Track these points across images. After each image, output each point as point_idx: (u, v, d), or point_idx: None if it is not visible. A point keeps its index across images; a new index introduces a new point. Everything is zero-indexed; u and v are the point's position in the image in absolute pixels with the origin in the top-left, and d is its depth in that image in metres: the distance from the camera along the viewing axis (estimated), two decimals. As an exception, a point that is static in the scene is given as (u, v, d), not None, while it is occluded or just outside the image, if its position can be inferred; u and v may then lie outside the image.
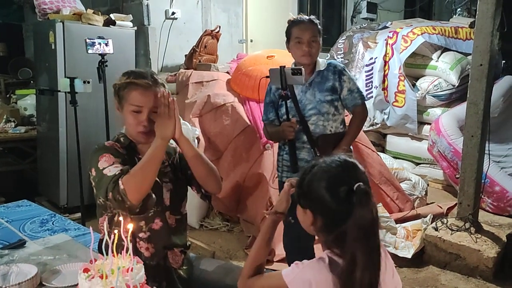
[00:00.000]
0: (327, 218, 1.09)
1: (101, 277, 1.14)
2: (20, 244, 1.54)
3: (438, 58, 4.46)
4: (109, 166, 1.44)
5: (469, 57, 4.43)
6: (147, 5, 4.40)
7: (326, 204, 1.07)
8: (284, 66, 2.08)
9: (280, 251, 2.88)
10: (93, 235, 1.21)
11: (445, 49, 4.52)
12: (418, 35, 4.39)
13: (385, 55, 4.55)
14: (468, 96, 2.91)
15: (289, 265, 2.67)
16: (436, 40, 4.43)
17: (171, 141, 1.67)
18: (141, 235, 1.54)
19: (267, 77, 2.21)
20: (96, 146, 1.56)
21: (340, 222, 1.04)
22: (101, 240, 1.52)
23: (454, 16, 5.61)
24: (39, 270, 1.30)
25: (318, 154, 2.15)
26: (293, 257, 2.46)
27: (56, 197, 3.83)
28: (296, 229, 2.28)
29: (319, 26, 2.22)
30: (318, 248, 2.44)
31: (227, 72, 4.18)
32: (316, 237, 2.31)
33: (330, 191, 1.07)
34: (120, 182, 1.36)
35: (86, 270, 1.18)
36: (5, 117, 4.32)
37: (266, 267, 2.81)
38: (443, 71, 4.36)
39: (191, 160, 1.55)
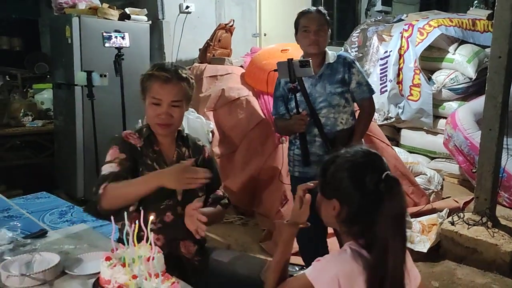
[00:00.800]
0: (355, 208, 1.09)
1: (123, 265, 1.16)
2: (42, 233, 1.57)
3: (455, 50, 4.39)
4: (108, 163, 1.51)
5: (487, 50, 4.38)
6: (162, -1, 4.43)
7: (354, 193, 1.08)
8: (292, 59, 2.07)
9: (294, 244, 2.89)
10: (114, 225, 1.24)
11: (462, 42, 4.45)
12: (434, 27, 4.33)
13: (400, 48, 4.49)
14: (486, 89, 2.87)
15: (303, 258, 2.66)
16: (453, 32, 4.37)
17: (200, 139, 1.75)
18: (151, 226, 1.55)
19: (275, 70, 2.20)
20: (114, 136, 1.62)
21: (368, 211, 1.05)
22: (120, 230, 1.55)
23: (471, 8, 5.51)
24: (61, 258, 1.32)
25: (330, 148, 2.14)
26: (306, 250, 2.47)
27: (73, 189, 3.89)
28: (310, 222, 2.30)
29: (327, 17, 2.21)
30: (330, 242, 2.46)
31: (241, 66, 4.18)
32: (329, 231, 2.33)
33: (359, 180, 1.07)
34: (101, 186, 1.43)
35: (108, 259, 1.20)
36: (22, 111, 4.38)
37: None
38: (460, 64, 4.30)
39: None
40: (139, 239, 1.22)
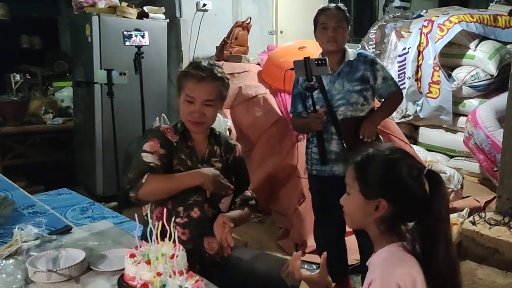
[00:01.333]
0: (405, 205, 1.09)
1: (147, 262, 1.17)
2: (67, 230, 1.60)
3: (475, 47, 4.31)
4: (149, 153, 1.56)
5: (509, 46, 4.30)
6: (179, -3, 4.45)
7: (405, 190, 1.07)
8: (309, 57, 2.06)
9: (311, 242, 2.88)
10: (137, 223, 1.26)
11: (483, 38, 4.37)
12: (455, 23, 4.26)
13: (419, 45, 4.43)
14: (509, 85, 2.82)
15: (320, 257, 2.65)
16: (474, 28, 4.28)
17: (232, 138, 1.80)
18: (178, 220, 1.58)
19: (291, 69, 2.20)
20: (153, 127, 1.71)
21: (419, 207, 1.06)
22: (144, 227, 1.58)
23: (492, 4, 5.40)
24: (86, 254, 1.34)
25: (345, 146, 2.13)
26: (324, 249, 2.46)
27: (92, 186, 3.95)
28: (327, 221, 2.30)
29: (346, 13, 2.19)
30: (348, 241, 2.45)
31: (258, 64, 4.18)
32: (347, 229, 2.31)
33: (409, 177, 1.07)
34: (145, 176, 1.49)
35: (132, 256, 1.21)
36: (43, 108, 4.47)
37: (298, 258, 2.84)
38: (481, 60, 4.22)
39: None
40: (163, 234, 1.24)
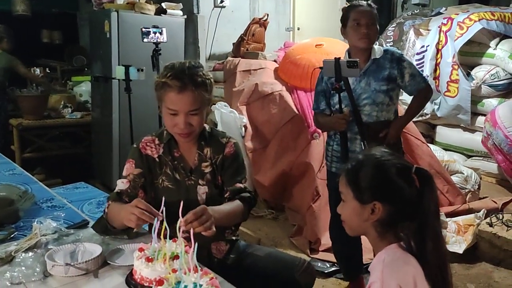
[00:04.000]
0: (399, 205, 1.10)
1: (148, 259, 1.20)
2: (84, 224, 1.63)
3: (496, 45, 4.23)
4: (122, 179, 1.54)
5: (531, 45, 4.21)
6: (197, -7, 4.46)
7: (398, 191, 1.09)
8: (339, 58, 2.04)
9: (325, 240, 2.88)
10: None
11: (504, 36, 4.28)
12: (475, 21, 4.18)
13: (438, 43, 4.36)
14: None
15: (335, 255, 2.63)
16: (495, 26, 4.19)
17: (226, 133, 1.65)
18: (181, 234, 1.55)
19: (320, 68, 2.18)
20: (134, 144, 1.60)
21: (412, 206, 1.08)
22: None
23: (514, 1, 5.28)
24: (103, 249, 1.37)
25: (367, 147, 2.11)
26: (339, 247, 2.46)
27: (109, 180, 4.00)
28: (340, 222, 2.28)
29: (376, 12, 2.17)
30: (364, 239, 2.43)
31: (274, 61, 4.17)
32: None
33: (401, 177, 1.09)
34: (106, 204, 1.47)
35: (141, 250, 1.24)
36: (62, 103, 4.54)
37: (312, 256, 2.84)
38: (502, 59, 4.13)
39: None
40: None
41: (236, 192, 1.55)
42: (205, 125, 1.60)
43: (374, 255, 1.16)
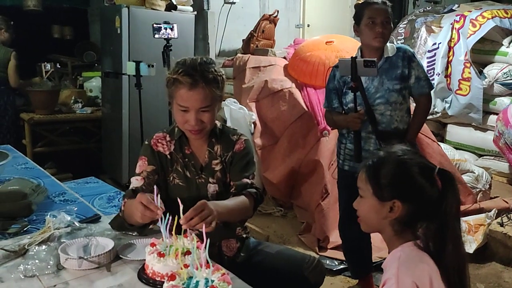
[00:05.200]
0: (419, 204, 1.09)
1: (160, 254, 1.21)
2: (96, 218, 1.64)
3: (509, 43, 4.18)
4: (136, 175, 1.53)
5: (545, 43, 4.15)
6: (207, -11, 4.46)
7: (419, 190, 1.08)
8: (356, 57, 2.03)
9: (334, 238, 2.88)
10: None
11: (518, 34, 4.23)
12: (488, 19, 4.13)
13: (450, 40, 4.32)
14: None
15: (344, 253, 2.63)
16: (508, 24, 4.14)
17: (237, 130, 1.64)
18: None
19: (335, 67, 2.17)
20: (146, 141, 1.59)
21: (432, 205, 1.07)
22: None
23: (528, -1, 5.21)
24: (115, 243, 1.38)
25: (382, 146, 2.10)
26: (349, 246, 2.46)
27: (118, 175, 4.03)
28: (353, 217, 2.27)
29: (390, 10, 2.14)
30: (373, 238, 2.43)
31: (284, 58, 4.16)
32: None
33: (422, 176, 1.08)
34: (122, 202, 1.46)
35: (152, 245, 1.24)
36: (73, 98, 4.57)
37: (321, 253, 2.84)
38: (514, 58, 4.08)
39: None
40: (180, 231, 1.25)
41: (242, 187, 1.53)
42: (216, 122, 1.59)
43: (389, 252, 1.15)
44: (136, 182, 1.52)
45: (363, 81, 2.12)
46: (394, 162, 1.12)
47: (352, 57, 2.02)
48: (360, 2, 2.20)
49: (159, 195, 1.29)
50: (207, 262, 1.11)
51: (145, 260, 1.25)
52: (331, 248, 2.90)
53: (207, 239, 1.11)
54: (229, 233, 1.59)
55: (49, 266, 1.27)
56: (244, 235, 1.67)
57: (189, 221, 1.23)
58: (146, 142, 1.60)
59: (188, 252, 1.20)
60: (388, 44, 2.16)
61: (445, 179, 1.08)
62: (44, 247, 1.35)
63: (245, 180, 1.55)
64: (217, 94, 1.49)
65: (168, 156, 1.56)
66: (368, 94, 2.12)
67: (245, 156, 1.59)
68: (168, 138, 1.58)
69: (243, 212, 1.50)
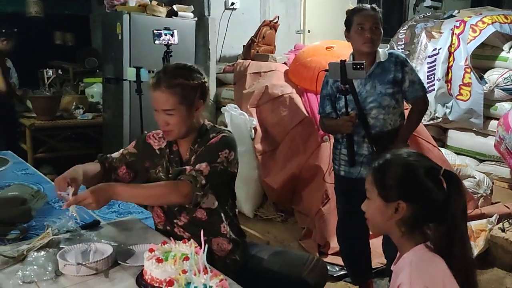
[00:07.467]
0: (424, 206, 1.09)
1: (158, 260, 1.21)
2: (95, 224, 1.65)
3: (509, 49, 4.18)
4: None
5: (545, 49, 4.16)
6: (208, -4, 4.48)
7: (424, 191, 1.09)
8: (345, 60, 2.03)
9: (334, 244, 2.87)
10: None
11: (518, 40, 4.24)
12: (488, 24, 4.14)
13: (450, 46, 4.32)
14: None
15: (343, 259, 2.62)
16: (508, 30, 4.15)
17: (225, 129, 1.67)
18: (176, 221, 1.61)
19: (326, 70, 2.18)
20: (145, 131, 1.72)
21: (438, 207, 1.08)
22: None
23: (528, 4, 5.23)
24: (114, 249, 1.38)
25: (375, 150, 2.10)
26: (346, 252, 2.45)
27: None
28: (351, 223, 2.28)
29: (380, 15, 2.16)
30: (372, 244, 2.42)
31: (285, 63, 4.17)
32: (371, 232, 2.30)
33: (427, 177, 1.09)
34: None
35: (151, 250, 1.24)
36: (74, 104, 4.58)
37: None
38: (515, 63, 4.09)
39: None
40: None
41: (177, 173, 1.48)
42: (207, 122, 1.63)
43: (400, 255, 1.15)
44: (115, 153, 1.67)
45: (356, 86, 2.12)
46: (400, 163, 1.13)
47: (341, 60, 2.02)
48: (351, 9, 2.21)
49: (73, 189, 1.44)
50: (205, 268, 1.10)
51: (143, 266, 1.25)
52: (332, 254, 2.89)
53: (205, 245, 1.11)
54: (212, 230, 1.57)
55: (47, 272, 1.27)
56: (236, 237, 1.64)
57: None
58: (145, 132, 1.72)
59: (186, 258, 1.20)
60: (380, 49, 2.17)
61: (451, 180, 1.09)
62: (42, 253, 1.35)
63: (188, 167, 1.49)
64: (184, 100, 1.50)
65: (157, 151, 1.64)
66: (361, 98, 2.12)
67: (210, 147, 1.54)
68: (160, 135, 1.67)
69: (163, 195, 1.46)
